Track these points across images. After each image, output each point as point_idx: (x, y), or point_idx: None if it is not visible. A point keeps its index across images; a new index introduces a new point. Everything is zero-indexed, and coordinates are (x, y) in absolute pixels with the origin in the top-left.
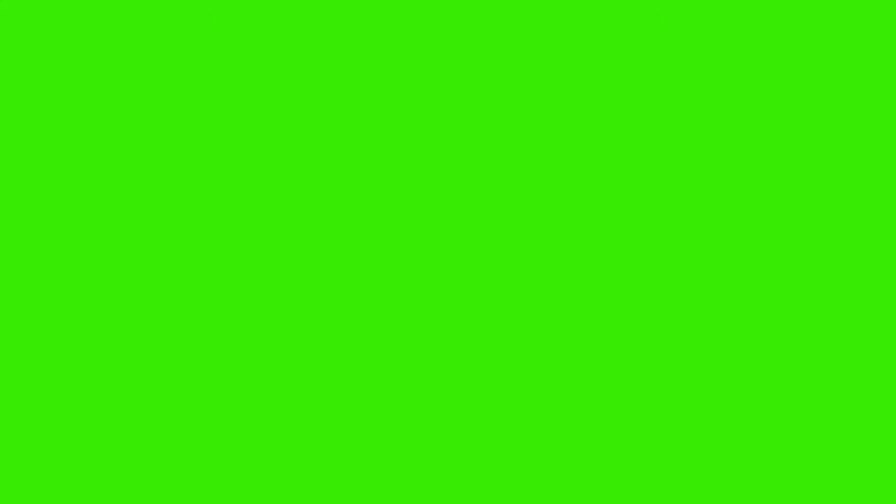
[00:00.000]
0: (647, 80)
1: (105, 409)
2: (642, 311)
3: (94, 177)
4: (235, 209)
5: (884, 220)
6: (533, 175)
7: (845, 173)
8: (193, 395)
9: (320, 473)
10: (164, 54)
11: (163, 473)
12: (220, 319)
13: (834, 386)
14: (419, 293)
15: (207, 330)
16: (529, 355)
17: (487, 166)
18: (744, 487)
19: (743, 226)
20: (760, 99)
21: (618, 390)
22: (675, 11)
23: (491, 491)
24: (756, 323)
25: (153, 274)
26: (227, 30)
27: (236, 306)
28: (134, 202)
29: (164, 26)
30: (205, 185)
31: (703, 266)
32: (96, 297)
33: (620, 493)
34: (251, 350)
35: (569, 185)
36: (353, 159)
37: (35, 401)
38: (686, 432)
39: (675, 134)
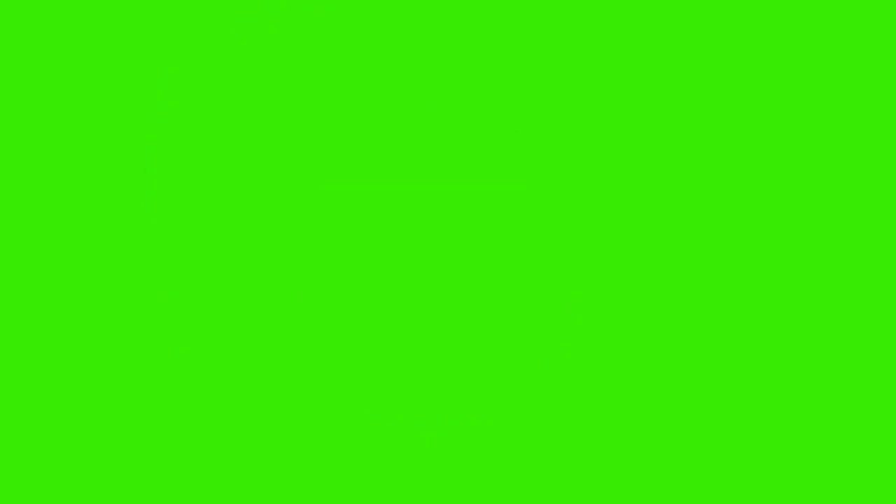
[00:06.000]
0: (647, 82)
1: (105, 410)
2: (642, 314)
3: (92, 178)
4: (231, 210)
5: (884, 220)
6: (530, 174)
7: (845, 173)
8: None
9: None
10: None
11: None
12: (217, 321)
13: (833, 386)
14: (414, 296)
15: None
16: (528, 355)
17: (487, 165)
18: (744, 487)
19: (742, 227)
20: (760, 99)
21: (618, 393)
22: (675, 11)
23: (490, 491)
24: (755, 323)
25: (151, 275)
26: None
27: (233, 309)
28: (132, 203)
29: (160, 25)
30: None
31: (703, 269)
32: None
33: (620, 494)
34: (247, 352)
35: (566, 187)
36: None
37: (38, 402)
38: (685, 433)
39: (676, 137)
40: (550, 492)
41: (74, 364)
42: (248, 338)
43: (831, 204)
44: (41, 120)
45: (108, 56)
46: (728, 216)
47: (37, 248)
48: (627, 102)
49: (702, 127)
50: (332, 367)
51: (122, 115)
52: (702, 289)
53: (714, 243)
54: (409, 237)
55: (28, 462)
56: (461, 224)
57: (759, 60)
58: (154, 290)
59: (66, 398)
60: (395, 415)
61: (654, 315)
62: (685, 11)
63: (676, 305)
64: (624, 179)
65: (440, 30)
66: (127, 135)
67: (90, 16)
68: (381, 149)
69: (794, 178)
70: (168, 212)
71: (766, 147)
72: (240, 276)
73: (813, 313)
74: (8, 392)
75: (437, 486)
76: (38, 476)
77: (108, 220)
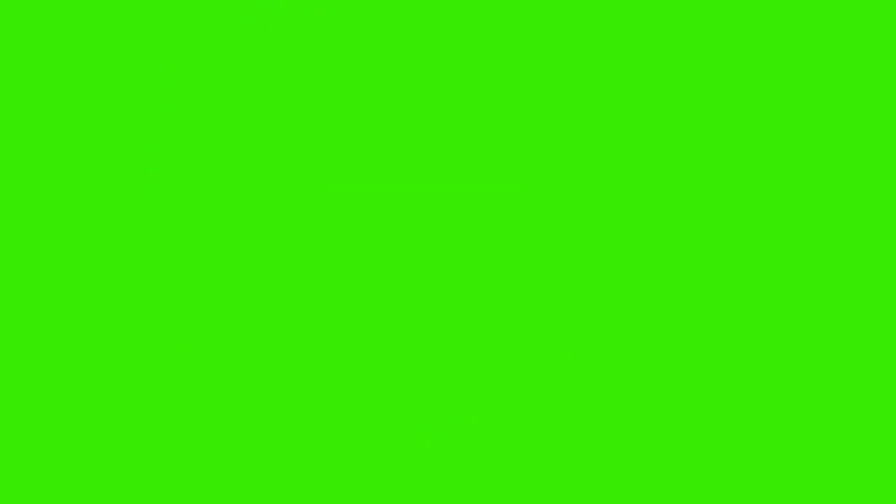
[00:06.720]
0: (648, 82)
1: (105, 410)
2: (643, 314)
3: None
4: (232, 210)
5: (884, 220)
6: (531, 175)
7: (845, 173)
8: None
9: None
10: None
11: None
12: (219, 321)
13: (833, 386)
14: (412, 296)
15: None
16: (528, 355)
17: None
18: (743, 487)
19: (743, 227)
20: (760, 99)
21: (617, 395)
22: (675, 12)
23: (489, 491)
24: (756, 323)
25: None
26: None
27: (233, 309)
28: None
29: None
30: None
31: (703, 270)
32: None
33: (620, 494)
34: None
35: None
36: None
37: (38, 402)
38: (685, 432)
39: (676, 138)
40: (550, 492)
41: (74, 363)
42: (248, 337)
43: (831, 204)
44: (41, 120)
45: (108, 56)
46: (728, 216)
47: (37, 248)
48: (627, 102)
49: (701, 127)
50: (332, 366)
51: (122, 116)
52: (701, 288)
53: (714, 243)
54: (409, 237)
55: (28, 462)
56: (461, 224)
57: (759, 60)
58: (154, 290)
59: (66, 398)
60: (395, 415)
61: (654, 315)
62: (685, 11)
63: (676, 305)
64: (624, 179)
65: (440, 30)
66: (127, 135)
67: (90, 16)
68: (382, 149)
69: (794, 178)
70: (168, 211)
71: (766, 147)
72: (239, 275)
73: (813, 313)
74: (8, 392)
75: (437, 486)
76: (39, 476)
77: (108, 219)
